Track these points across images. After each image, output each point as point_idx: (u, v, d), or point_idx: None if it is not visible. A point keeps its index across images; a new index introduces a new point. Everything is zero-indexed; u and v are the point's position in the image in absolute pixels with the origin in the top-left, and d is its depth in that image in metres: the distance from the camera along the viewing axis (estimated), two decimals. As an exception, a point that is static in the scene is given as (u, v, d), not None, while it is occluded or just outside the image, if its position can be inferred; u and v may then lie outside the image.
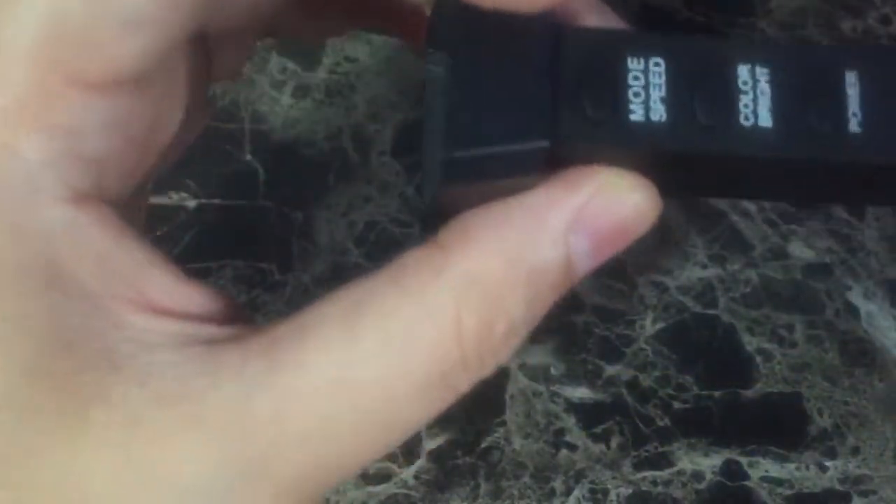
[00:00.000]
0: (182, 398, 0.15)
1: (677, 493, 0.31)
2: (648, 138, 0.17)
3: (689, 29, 0.36)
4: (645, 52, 0.17)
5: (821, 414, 0.32)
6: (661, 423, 0.32)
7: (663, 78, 0.17)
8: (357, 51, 0.36)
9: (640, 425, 0.32)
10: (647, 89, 0.17)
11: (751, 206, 0.34)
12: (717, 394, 0.32)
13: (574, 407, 0.32)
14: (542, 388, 0.32)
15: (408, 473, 0.31)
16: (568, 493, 0.31)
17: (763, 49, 0.18)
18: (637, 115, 0.17)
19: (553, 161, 0.17)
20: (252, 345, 0.16)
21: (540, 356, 0.32)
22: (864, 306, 0.33)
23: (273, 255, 0.33)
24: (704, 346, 0.33)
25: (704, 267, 0.33)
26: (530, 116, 0.17)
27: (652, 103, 0.17)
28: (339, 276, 0.33)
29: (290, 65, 0.36)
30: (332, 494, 0.30)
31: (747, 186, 0.20)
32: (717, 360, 0.32)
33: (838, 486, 0.31)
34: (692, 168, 0.18)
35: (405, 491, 0.30)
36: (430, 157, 0.17)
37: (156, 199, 0.34)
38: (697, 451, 0.31)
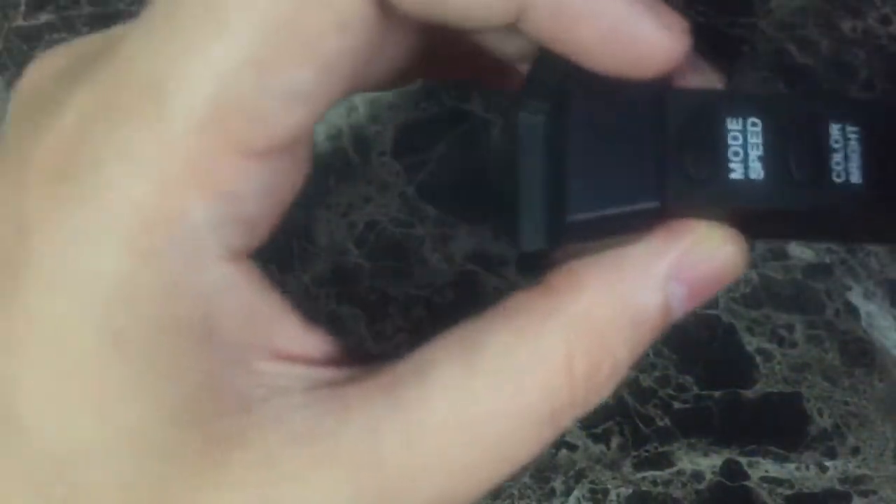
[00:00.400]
0: (314, 437, 0.16)
1: (677, 493, 0.31)
2: (747, 196, 0.18)
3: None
4: (742, 113, 0.18)
5: (821, 414, 0.32)
6: (661, 423, 0.32)
7: (760, 137, 0.18)
8: (357, 51, 0.36)
9: (640, 425, 0.32)
10: (746, 149, 0.18)
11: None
12: (717, 394, 0.32)
13: (574, 407, 0.32)
14: (542, 388, 0.32)
15: (408, 473, 0.31)
16: (568, 493, 0.31)
17: (854, 108, 0.18)
18: (737, 173, 0.18)
19: (660, 218, 0.18)
20: (374, 384, 0.17)
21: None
22: (864, 306, 0.33)
23: (273, 255, 0.33)
24: (704, 346, 0.33)
25: (704, 267, 0.33)
26: (640, 177, 0.18)
27: (750, 162, 0.18)
28: (339, 276, 0.33)
29: (290, 65, 0.36)
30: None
31: (831, 234, 0.21)
32: (717, 360, 0.32)
33: (838, 486, 0.31)
34: (784, 221, 0.19)
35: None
36: (528, 208, 0.18)
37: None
38: (697, 451, 0.31)
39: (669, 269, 0.17)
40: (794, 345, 0.33)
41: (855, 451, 0.32)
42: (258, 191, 0.16)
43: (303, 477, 0.16)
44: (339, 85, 0.16)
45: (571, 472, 0.31)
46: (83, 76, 0.16)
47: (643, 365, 0.32)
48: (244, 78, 0.15)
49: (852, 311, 0.33)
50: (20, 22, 0.37)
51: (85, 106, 0.15)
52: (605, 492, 0.31)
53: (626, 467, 0.31)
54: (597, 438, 0.31)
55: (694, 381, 0.32)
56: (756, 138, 0.18)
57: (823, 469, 0.31)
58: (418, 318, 0.32)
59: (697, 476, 0.31)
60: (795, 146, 0.18)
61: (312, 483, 0.16)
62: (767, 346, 0.33)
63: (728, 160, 0.18)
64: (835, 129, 0.18)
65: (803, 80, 0.35)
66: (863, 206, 0.18)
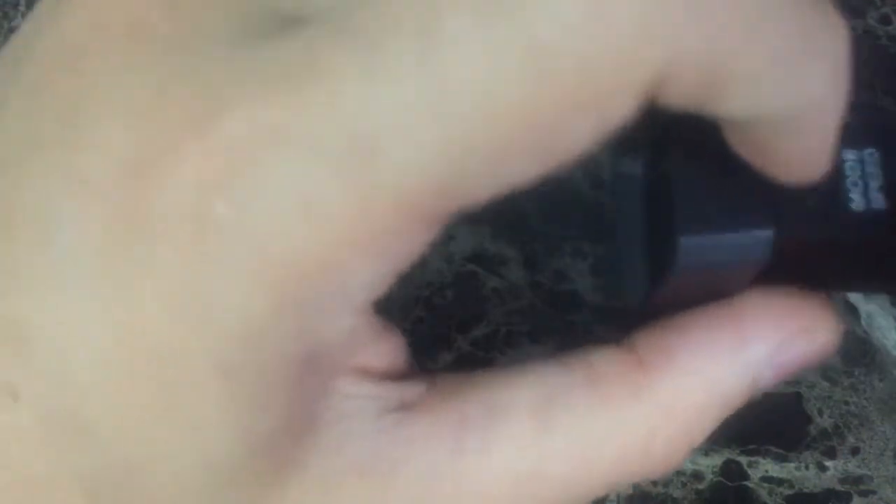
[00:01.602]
0: (374, 469, 0.15)
1: (677, 493, 0.31)
2: (868, 227, 0.17)
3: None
4: (859, 143, 0.18)
5: (821, 414, 0.32)
6: (661, 423, 0.32)
7: (878, 167, 0.18)
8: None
9: (640, 425, 0.32)
10: (865, 178, 0.17)
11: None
12: (717, 394, 0.32)
13: (574, 407, 0.32)
14: (542, 388, 0.32)
15: (408, 473, 0.31)
16: (568, 493, 0.31)
17: None
18: (857, 203, 0.17)
19: (777, 249, 0.17)
20: (442, 420, 0.16)
21: (540, 356, 0.32)
22: (864, 306, 0.33)
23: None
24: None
25: (704, 267, 0.33)
26: (755, 205, 0.17)
27: (870, 192, 0.17)
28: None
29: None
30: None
31: None
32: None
33: (838, 486, 0.31)
34: None
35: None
36: (630, 261, 0.18)
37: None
38: (697, 451, 0.31)
39: (767, 357, 0.17)
40: (794, 345, 0.33)
41: (855, 451, 0.32)
42: (414, 251, 0.15)
43: None
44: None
45: (571, 472, 0.31)
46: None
47: (643, 365, 0.32)
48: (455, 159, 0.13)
49: (852, 311, 0.33)
50: (20, 22, 0.37)
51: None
52: (605, 492, 0.31)
53: (626, 467, 0.31)
54: (597, 438, 0.32)
55: (694, 381, 0.32)
56: (874, 168, 0.18)
57: (823, 469, 0.31)
58: (418, 318, 0.32)
59: (697, 476, 0.31)
60: None
61: None
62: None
63: (847, 190, 0.17)
64: None
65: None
66: None
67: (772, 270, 0.18)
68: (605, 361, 0.17)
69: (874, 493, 0.31)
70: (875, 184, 0.17)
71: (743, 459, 0.31)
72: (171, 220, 0.13)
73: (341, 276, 0.14)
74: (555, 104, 0.13)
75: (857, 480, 0.31)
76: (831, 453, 0.31)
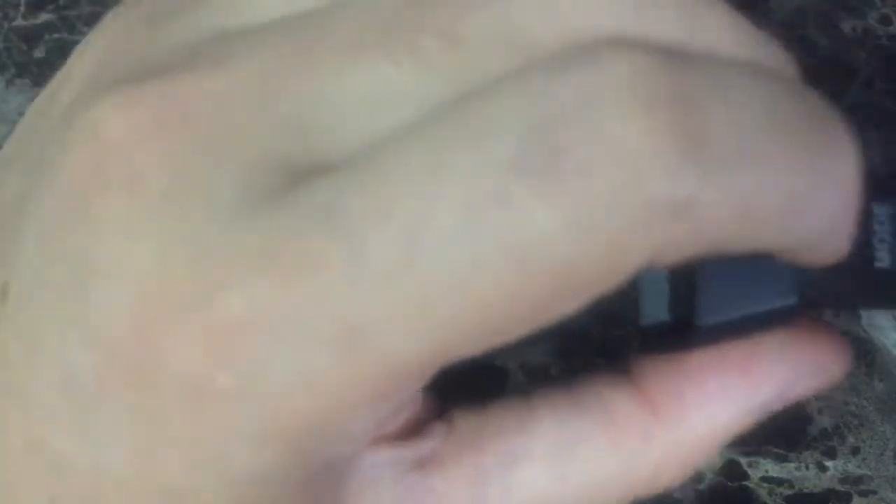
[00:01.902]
0: None
1: (677, 493, 0.31)
2: (892, 284, 0.17)
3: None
4: (888, 198, 0.17)
5: (821, 414, 0.32)
6: (661, 423, 0.32)
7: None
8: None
9: (640, 425, 0.32)
10: (893, 235, 0.17)
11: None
12: (717, 394, 0.32)
13: (574, 407, 0.32)
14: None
15: (408, 473, 0.31)
16: (568, 493, 0.31)
17: None
18: (882, 261, 0.17)
19: (801, 313, 0.17)
20: (459, 473, 0.16)
21: (540, 356, 0.32)
22: (864, 306, 0.33)
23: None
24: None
25: (704, 267, 0.33)
26: (776, 275, 0.16)
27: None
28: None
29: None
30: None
31: None
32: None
33: (838, 486, 0.31)
34: None
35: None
36: (652, 284, 0.17)
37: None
38: (697, 451, 0.31)
39: (776, 396, 0.17)
40: (794, 345, 0.33)
41: (855, 451, 0.32)
42: (413, 394, 0.15)
43: None
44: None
45: (571, 472, 0.31)
46: None
47: (643, 365, 0.32)
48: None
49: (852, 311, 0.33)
50: (20, 22, 0.37)
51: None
52: (605, 492, 0.31)
53: (626, 467, 0.31)
54: (597, 438, 0.32)
55: (694, 381, 0.32)
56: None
57: (823, 469, 0.31)
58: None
59: (697, 476, 0.31)
60: None
61: None
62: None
63: (874, 247, 0.17)
64: None
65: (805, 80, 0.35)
66: None
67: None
68: (620, 405, 0.17)
69: (874, 493, 0.31)
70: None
71: (743, 459, 0.31)
72: (178, 386, 0.14)
73: (343, 428, 0.14)
74: (538, 295, 0.13)
75: (857, 480, 0.31)
76: (831, 453, 0.31)
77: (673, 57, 0.13)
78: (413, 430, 0.17)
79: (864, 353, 0.32)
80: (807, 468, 0.31)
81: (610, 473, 0.17)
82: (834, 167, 0.14)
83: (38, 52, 0.36)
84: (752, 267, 0.16)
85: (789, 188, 0.13)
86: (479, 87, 0.14)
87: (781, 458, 0.31)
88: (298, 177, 0.14)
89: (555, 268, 0.13)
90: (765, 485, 0.31)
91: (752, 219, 0.13)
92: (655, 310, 0.17)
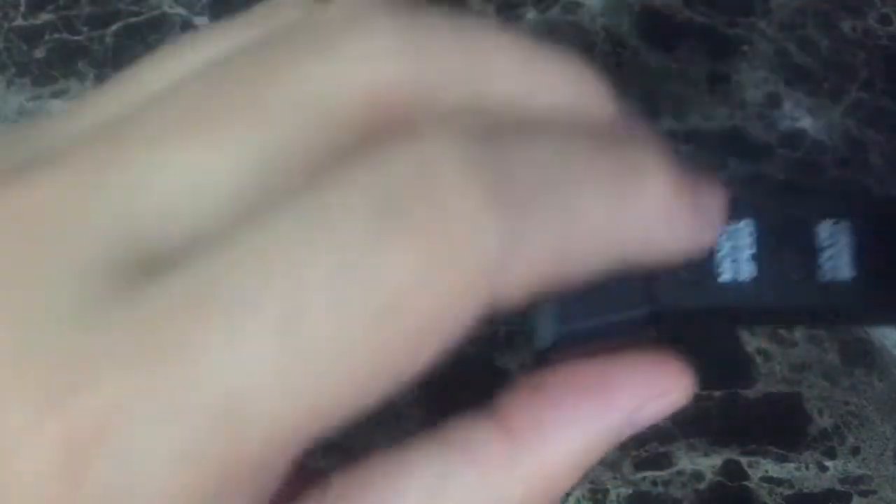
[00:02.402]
0: None
1: (677, 493, 0.31)
2: (736, 297, 0.18)
3: (689, 29, 0.36)
4: (734, 215, 0.18)
5: (821, 414, 0.32)
6: (661, 423, 0.32)
7: (752, 238, 0.18)
8: (357, 51, 0.36)
9: (640, 425, 0.32)
10: (737, 250, 0.18)
11: (751, 206, 0.34)
12: (717, 394, 0.32)
13: (574, 407, 0.32)
14: (542, 388, 0.32)
15: (408, 473, 0.31)
16: (568, 492, 0.31)
17: (842, 203, 0.19)
18: (726, 275, 0.18)
19: (655, 321, 0.18)
20: None
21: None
22: (864, 306, 0.33)
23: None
24: (704, 346, 0.33)
25: (704, 267, 0.33)
26: (630, 286, 0.18)
27: (742, 263, 0.18)
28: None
29: (290, 65, 0.36)
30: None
31: (822, 324, 0.22)
32: (717, 360, 0.32)
33: (838, 486, 0.31)
34: (775, 317, 0.20)
35: (405, 491, 0.30)
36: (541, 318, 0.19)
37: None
38: (697, 451, 0.31)
39: (626, 420, 0.19)
40: (793, 345, 0.33)
41: (855, 451, 0.32)
42: (294, 460, 0.16)
43: None
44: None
45: (571, 472, 0.31)
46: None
47: (643, 365, 0.32)
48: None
49: (852, 311, 0.33)
50: (20, 22, 0.37)
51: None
52: (605, 492, 0.31)
53: (626, 467, 0.31)
54: (597, 438, 0.32)
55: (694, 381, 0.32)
56: (747, 239, 0.18)
57: (823, 469, 0.31)
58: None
59: (697, 476, 0.31)
60: (785, 246, 0.18)
61: None
62: (767, 346, 0.33)
63: (718, 262, 0.18)
64: (824, 227, 0.19)
65: (803, 81, 0.35)
66: (853, 301, 0.18)
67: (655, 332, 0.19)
68: (483, 439, 0.18)
69: (874, 493, 0.31)
70: (746, 254, 0.18)
71: (743, 459, 0.31)
72: (42, 485, 0.14)
73: (227, 498, 0.15)
74: (399, 350, 0.15)
75: (857, 480, 0.31)
76: (831, 453, 0.31)
77: (479, 128, 0.15)
78: (289, 498, 0.17)
79: (864, 353, 0.33)
80: (807, 468, 0.31)
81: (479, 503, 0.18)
82: (643, 193, 0.16)
83: (39, 52, 0.36)
84: (605, 281, 0.17)
85: (599, 222, 0.16)
86: (298, 156, 0.15)
87: (781, 458, 0.31)
88: (151, 266, 0.15)
89: (416, 319, 0.15)
90: (765, 485, 0.31)
91: (572, 253, 0.16)
92: (540, 338, 0.19)
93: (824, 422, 0.32)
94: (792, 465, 0.31)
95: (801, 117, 0.35)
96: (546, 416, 0.18)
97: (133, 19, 0.36)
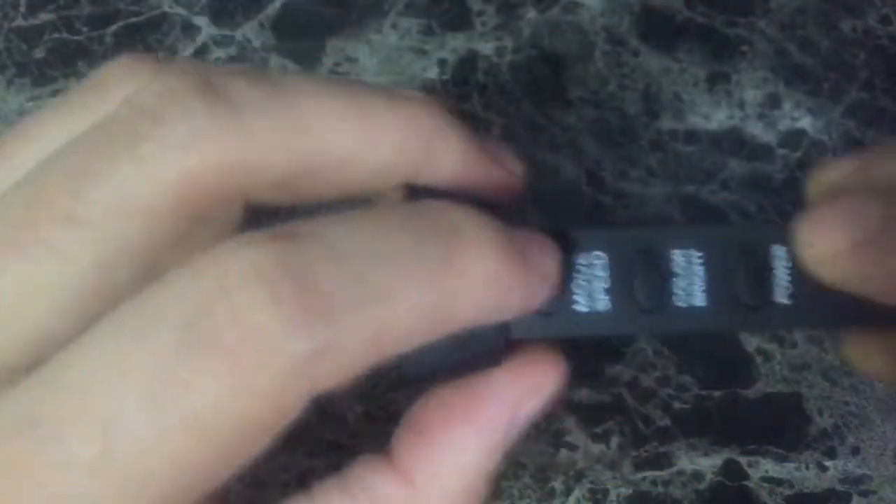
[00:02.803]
0: None
1: (677, 493, 0.31)
2: (591, 327, 0.19)
3: (689, 29, 0.36)
4: (588, 247, 0.19)
5: (821, 414, 0.32)
6: (661, 423, 0.32)
7: (606, 271, 0.19)
8: (357, 51, 0.36)
9: (640, 425, 0.32)
10: (591, 281, 0.19)
11: (749, 205, 0.34)
12: (717, 394, 0.32)
13: (574, 407, 0.32)
14: (542, 388, 0.32)
15: (408, 473, 0.31)
16: (568, 493, 0.31)
17: (694, 233, 0.20)
18: (581, 305, 0.19)
19: (508, 351, 0.19)
20: None
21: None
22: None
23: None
24: (704, 346, 0.33)
25: (704, 267, 0.33)
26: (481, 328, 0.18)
27: (595, 293, 0.19)
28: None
29: (291, 65, 0.36)
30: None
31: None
32: (717, 360, 0.32)
33: (838, 486, 0.31)
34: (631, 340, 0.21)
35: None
36: None
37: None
38: (697, 451, 0.31)
39: (509, 426, 0.19)
40: (793, 345, 0.33)
41: (855, 451, 0.32)
42: None
43: None
44: None
45: (571, 472, 0.31)
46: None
47: (643, 365, 0.32)
48: None
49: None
50: (20, 22, 0.37)
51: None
52: (605, 492, 0.31)
53: (626, 467, 0.31)
54: (597, 438, 0.31)
55: (694, 381, 0.32)
56: (602, 271, 0.19)
57: (823, 469, 0.31)
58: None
59: (697, 476, 0.31)
60: (639, 275, 0.19)
61: None
62: (767, 346, 0.33)
63: (573, 292, 0.19)
64: (678, 255, 0.19)
65: (803, 81, 0.35)
66: (705, 327, 0.19)
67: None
68: (380, 484, 0.19)
69: (874, 493, 0.31)
70: (600, 285, 0.19)
71: (743, 459, 0.31)
72: None
73: None
74: (224, 450, 0.16)
75: (857, 480, 0.31)
76: (831, 453, 0.31)
77: (281, 235, 0.16)
78: None
79: (864, 353, 0.33)
80: (807, 468, 0.31)
81: None
82: (465, 265, 0.17)
83: (39, 52, 0.36)
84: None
85: (420, 302, 0.16)
86: (122, 257, 0.17)
87: (781, 458, 0.31)
88: (4, 379, 0.16)
89: (232, 425, 0.15)
90: (765, 485, 0.31)
91: (393, 335, 0.16)
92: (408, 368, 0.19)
93: (824, 422, 0.32)
94: (792, 465, 0.31)
95: (801, 117, 0.35)
96: (435, 457, 0.19)
97: (133, 19, 0.36)
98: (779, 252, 0.20)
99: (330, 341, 0.15)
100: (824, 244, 0.19)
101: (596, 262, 0.20)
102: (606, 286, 0.19)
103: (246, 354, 0.15)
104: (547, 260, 0.19)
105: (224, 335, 0.15)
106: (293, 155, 0.18)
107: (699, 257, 0.20)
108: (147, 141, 0.17)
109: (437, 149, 0.19)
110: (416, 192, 0.19)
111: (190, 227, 0.17)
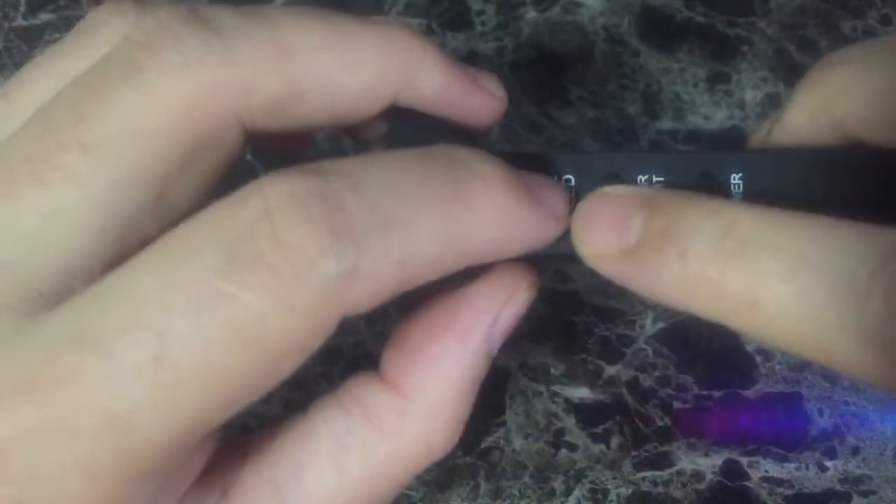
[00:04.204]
0: None
1: (677, 493, 0.31)
2: (561, 246, 0.20)
3: (689, 29, 0.36)
4: (558, 171, 0.21)
5: (821, 414, 0.32)
6: (661, 423, 0.32)
7: (574, 193, 0.21)
8: (357, 51, 0.36)
9: (640, 425, 0.32)
10: None
11: (751, 206, 0.34)
12: (717, 394, 0.32)
13: (574, 407, 0.32)
14: (542, 388, 0.32)
15: (408, 473, 0.31)
16: (568, 493, 0.31)
17: (658, 160, 0.21)
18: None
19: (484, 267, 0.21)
20: (261, 493, 0.19)
21: (540, 356, 0.32)
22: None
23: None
24: (704, 346, 0.33)
25: (704, 267, 0.33)
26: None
27: None
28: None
29: (290, 65, 0.36)
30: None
31: None
32: (717, 360, 0.32)
33: (838, 486, 0.31)
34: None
35: (405, 491, 0.30)
36: None
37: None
38: (697, 451, 0.31)
39: (491, 334, 0.20)
40: (794, 345, 0.33)
41: (855, 451, 0.32)
42: (194, 466, 0.19)
43: None
44: None
45: (571, 472, 0.31)
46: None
47: (643, 365, 0.32)
48: None
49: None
50: (20, 22, 0.37)
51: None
52: (605, 492, 0.31)
53: (626, 467, 0.31)
54: (597, 438, 0.32)
55: (694, 381, 0.32)
56: (571, 193, 0.21)
57: (823, 469, 0.31)
58: (418, 318, 0.32)
59: (697, 476, 0.31)
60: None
61: None
62: (767, 346, 0.33)
63: None
64: (642, 180, 0.21)
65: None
66: None
67: None
68: (371, 397, 0.20)
69: (874, 493, 0.31)
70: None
71: (743, 459, 0.31)
72: None
73: (134, 494, 0.17)
74: (266, 362, 0.17)
75: (857, 480, 0.31)
76: (831, 453, 0.31)
77: (312, 170, 0.17)
78: (213, 467, 0.19)
79: (864, 353, 0.32)
80: (807, 468, 0.31)
81: (385, 454, 0.20)
82: (476, 198, 0.18)
83: (39, 52, 0.36)
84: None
85: (437, 233, 0.18)
86: (140, 182, 0.18)
87: (781, 458, 0.31)
88: (32, 305, 0.17)
89: (273, 339, 0.16)
90: (765, 485, 0.31)
91: (414, 263, 0.17)
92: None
93: (824, 422, 0.32)
94: (792, 465, 0.31)
95: (801, 117, 0.35)
96: (422, 367, 0.20)
97: (133, 19, 0.36)
98: (736, 179, 0.21)
99: (359, 263, 0.17)
100: (595, 246, 0.20)
101: (565, 185, 0.21)
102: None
103: (286, 271, 0.16)
104: (556, 199, 0.20)
105: (266, 254, 0.16)
106: (279, 76, 0.19)
107: (661, 181, 0.21)
108: (145, 69, 0.18)
109: (417, 70, 0.20)
110: (399, 114, 0.21)
111: (193, 152, 0.18)
